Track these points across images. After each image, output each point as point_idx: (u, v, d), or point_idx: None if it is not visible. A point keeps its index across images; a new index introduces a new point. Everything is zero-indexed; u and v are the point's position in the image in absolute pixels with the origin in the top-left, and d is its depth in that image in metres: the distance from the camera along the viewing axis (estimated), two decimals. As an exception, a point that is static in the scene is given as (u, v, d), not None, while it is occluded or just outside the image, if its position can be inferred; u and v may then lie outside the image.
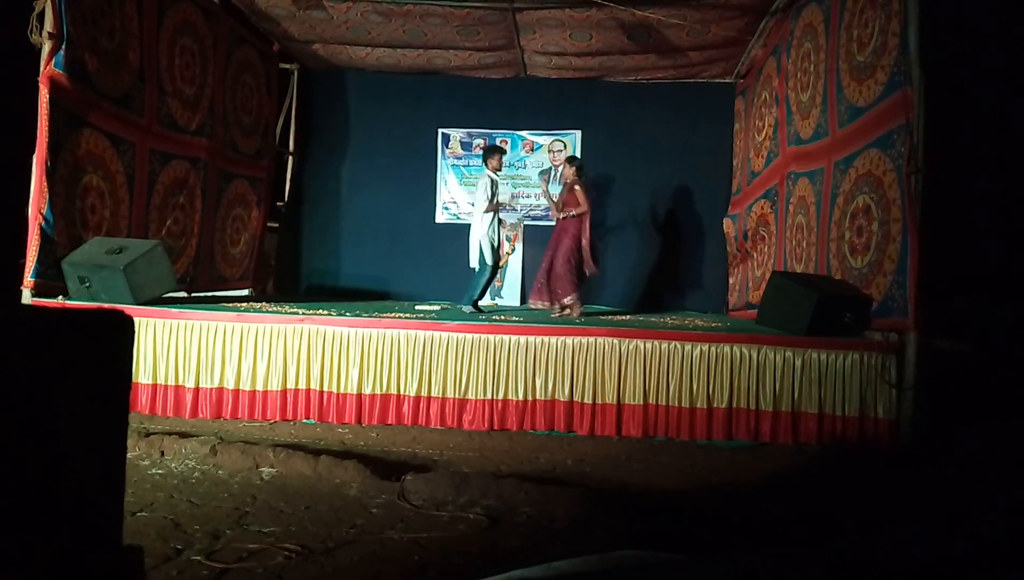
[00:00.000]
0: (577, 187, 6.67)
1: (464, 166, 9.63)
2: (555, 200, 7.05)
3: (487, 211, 6.54)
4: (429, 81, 9.49)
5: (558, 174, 9.62)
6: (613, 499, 3.24)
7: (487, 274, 6.60)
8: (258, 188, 8.85)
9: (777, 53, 7.49)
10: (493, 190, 6.59)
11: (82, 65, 5.57)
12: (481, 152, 7.59)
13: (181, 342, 4.99)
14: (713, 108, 9.35)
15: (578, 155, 9.39)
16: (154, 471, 3.63)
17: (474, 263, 6.63)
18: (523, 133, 9.63)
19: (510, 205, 8.94)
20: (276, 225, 9.60)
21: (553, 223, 9.80)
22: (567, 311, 6.50)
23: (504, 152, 7.17)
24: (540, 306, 6.82)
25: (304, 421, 4.94)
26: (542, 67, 9.12)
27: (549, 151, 9.59)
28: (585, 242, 6.60)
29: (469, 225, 6.71)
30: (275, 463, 3.68)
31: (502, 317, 6.02)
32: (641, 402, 4.81)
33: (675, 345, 4.84)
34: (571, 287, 6.53)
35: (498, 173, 6.75)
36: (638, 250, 9.32)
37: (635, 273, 9.27)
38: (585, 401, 4.83)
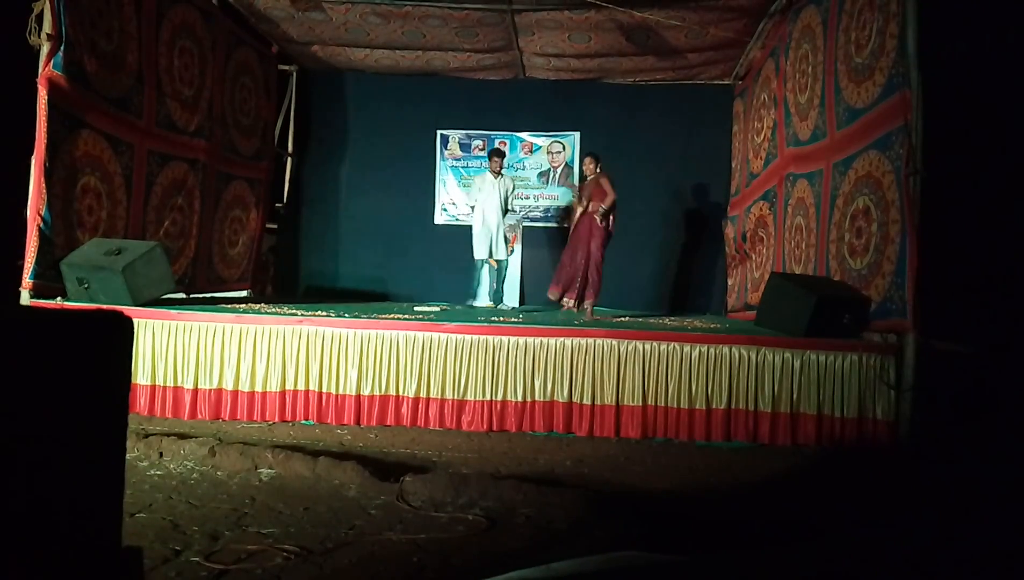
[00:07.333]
0: (603, 179, 6.67)
1: (463, 167, 9.64)
2: (579, 195, 7.03)
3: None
4: (428, 82, 9.49)
5: (556, 174, 9.62)
6: (612, 500, 3.24)
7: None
8: (257, 189, 8.85)
9: (775, 55, 7.49)
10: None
11: (81, 66, 5.57)
12: (486, 153, 8.03)
13: (180, 343, 4.99)
14: (712, 110, 9.37)
15: (577, 156, 9.41)
16: (153, 472, 3.62)
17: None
18: (522, 135, 9.64)
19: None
20: (275, 226, 9.61)
21: (552, 225, 9.80)
22: (585, 311, 6.56)
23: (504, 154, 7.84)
24: (557, 299, 6.92)
25: (303, 422, 4.93)
26: (541, 69, 9.13)
27: (548, 152, 9.60)
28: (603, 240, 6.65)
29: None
30: (274, 464, 3.68)
31: (500, 318, 6.02)
32: (640, 403, 4.81)
33: (674, 346, 4.84)
34: (597, 291, 6.62)
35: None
36: (637, 252, 9.32)
37: (633, 275, 9.27)
38: (584, 402, 4.83)
